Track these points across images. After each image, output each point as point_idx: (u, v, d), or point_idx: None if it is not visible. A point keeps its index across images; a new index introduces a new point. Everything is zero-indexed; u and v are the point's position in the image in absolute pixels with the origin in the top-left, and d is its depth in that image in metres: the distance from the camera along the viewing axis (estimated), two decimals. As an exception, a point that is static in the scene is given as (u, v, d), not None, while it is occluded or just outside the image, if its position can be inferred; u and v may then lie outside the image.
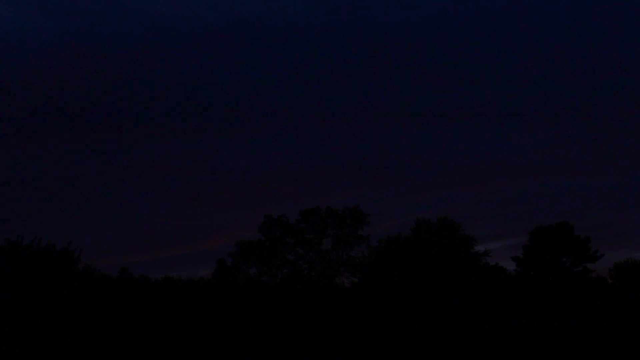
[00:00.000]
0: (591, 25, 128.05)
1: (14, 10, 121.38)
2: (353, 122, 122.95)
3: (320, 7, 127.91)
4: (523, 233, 57.14)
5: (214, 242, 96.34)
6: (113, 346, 33.11)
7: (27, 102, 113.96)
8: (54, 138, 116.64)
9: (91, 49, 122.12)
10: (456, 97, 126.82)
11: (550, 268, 50.84)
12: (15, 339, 31.59)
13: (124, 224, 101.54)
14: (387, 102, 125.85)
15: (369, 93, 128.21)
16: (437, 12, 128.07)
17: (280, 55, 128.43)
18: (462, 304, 41.15)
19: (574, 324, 39.41)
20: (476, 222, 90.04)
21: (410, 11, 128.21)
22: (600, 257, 51.70)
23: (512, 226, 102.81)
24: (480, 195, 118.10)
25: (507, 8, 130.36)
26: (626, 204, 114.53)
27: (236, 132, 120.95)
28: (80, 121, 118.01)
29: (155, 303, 37.21)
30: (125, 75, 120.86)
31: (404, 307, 40.80)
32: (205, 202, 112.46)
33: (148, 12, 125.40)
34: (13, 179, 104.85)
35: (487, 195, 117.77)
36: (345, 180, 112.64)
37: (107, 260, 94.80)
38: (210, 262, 62.53)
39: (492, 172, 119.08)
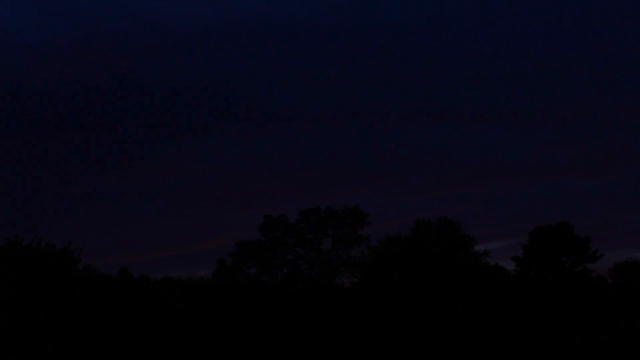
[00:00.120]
0: (591, 25, 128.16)
1: (14, 10, 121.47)
2: (353, 122, 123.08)
3: (320, 7, 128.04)
4: (523, 233, 57.06)
5: (214, 242, 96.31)
6: (113, 346, 33.11)
7: (27, 102, 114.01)
8: (54, 138, 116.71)
9: (91, 49, 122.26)
10: (456, 97, 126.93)
11: (550, 268, 50.80)
12: (15, 339, 31.59)
13: (124, 224, 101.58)
14: (387, 102, 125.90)
15: (369, 93, 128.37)
16: (436, 13, 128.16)
17: (280, 55, 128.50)
18: (462, 304, 41.15)
19: (574, 324, 39.43)
20: (476, 222, 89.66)
21: (409, 11, 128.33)
22: (600, 257, 51.66)
23: (512, 226, 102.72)
24: (480, 195, 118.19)
25: (507, 8, 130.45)
26: (626, 204, 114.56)
27: (236, 132, 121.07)
28: (80, 121, 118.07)
29: (155, 303, 37.19)
30: (125, 75, 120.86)
31: (404, 307, 40.79)
32: (205, 202, 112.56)
33: (148, 12, 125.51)
34: (13, 179, 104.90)
35: (487, 195, 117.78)
36: (345, 180, 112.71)
37: (107, 260, 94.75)
38: (210, 262, 62.50)
39: (492, 172, 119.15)
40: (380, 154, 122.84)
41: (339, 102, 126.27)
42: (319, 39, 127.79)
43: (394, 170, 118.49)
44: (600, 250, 51.93)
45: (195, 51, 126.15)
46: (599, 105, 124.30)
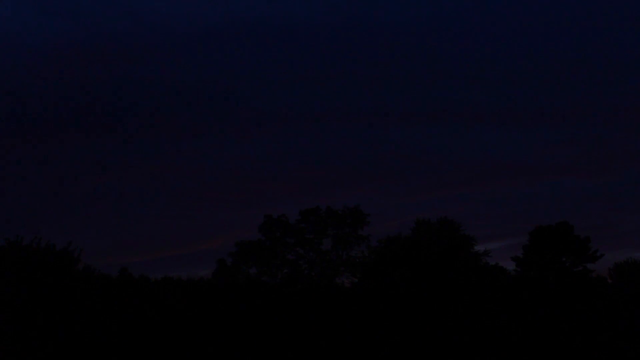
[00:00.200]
0: (591, 25, 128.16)
1: (14, 10, 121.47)
2: (353, 122, 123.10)
3: (320, 7, 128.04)
4: (523, 233, 57.06)
5: (214, 242, 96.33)
6: (113, 346, 33.11)
7: (26, 102, 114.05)
8: (54, 138, 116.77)
9: (91, 49, 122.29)
10: (456, 97, 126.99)
11: (550, 268, 50.79)
12: (15, 339, 31.59)
13: (124, 224, 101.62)
14: (387, 102, 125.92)
15: (369, 93, 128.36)
16: (436, 13, 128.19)
17: (280, 55, 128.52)
18: (462, 304, 41.15)
19: (574, 324, 39.42)
20: (476, 222, 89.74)
21: (409, 11, 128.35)
22: (600, 257, 51.64)
23: (512, 226, 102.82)
24: (480, 195, 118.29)
25: (507, 8, 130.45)
26: (626, 204, 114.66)
27: (236, 132, 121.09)
28: (80, 121, 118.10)
29: (155, 303, 37.19)
30: (125, 75, 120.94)
31: (404, 307, 40.79)
32: (205, 202, 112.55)
33: (148, 12, 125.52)
34: (13, 179, 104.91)
35: (487, 195, 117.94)
36: (345, 180, 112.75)
37: (107, 260, 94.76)
38: (210, 262, 62.51)
39: (492, 172, 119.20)
40: (380, 154, 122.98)
41: (339, 102, 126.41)
42: (319, 39, 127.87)
43: (394, 170, 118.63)
44: (600, 250, 51.95)
45: (195, 51, 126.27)
46: (599, 105, 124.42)
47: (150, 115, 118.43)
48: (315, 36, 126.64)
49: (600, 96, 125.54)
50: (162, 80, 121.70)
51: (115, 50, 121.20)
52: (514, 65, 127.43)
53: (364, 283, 51.29)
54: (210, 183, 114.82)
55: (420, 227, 54.36)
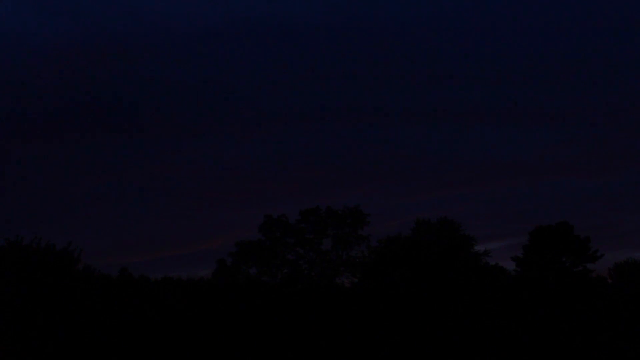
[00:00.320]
0: (591, 25, 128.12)
1: (14, 10, 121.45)
2: (353, 122, 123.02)
3: (320, 7, 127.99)
4: (523, 233, 57.06)
5: (214, 242, 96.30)
6: (113, 346, 33.10)
7: (26, 102, 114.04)
8: (54, 138, 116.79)
9: (91, 48, 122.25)
10: (456, 97, 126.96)
11: (550, 268, 50.80)
12: (15, 339, 31.59)
13: (124, 224, 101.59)
14: (387, 102, 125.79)
15: (370, 93, 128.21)
16: (436, 13, 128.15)
17: (280, 55, 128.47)
18: (462, 304, 41.15)
19: (574, 324, 39.41)
20: (476, 222, 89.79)
21: (409, 11, 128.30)
22: (600, 257, 51.65)
23: (512, 226, 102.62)
24: (480, 195, 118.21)
25: (507, 8, 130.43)
26: (626, 204, 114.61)
27: (236, 131, 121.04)
28: (80, 121, 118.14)
29: (155, 303, 37.19)
30: (124, 75, 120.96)
31: (404, 307, 40.79)
32: (205, 202, 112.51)
33: (148, 12, 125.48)
34: (13, 179, 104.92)
35: (487, 195, 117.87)
36: (345, 180, 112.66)
37: (107, 260, 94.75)
38: (210, 262, 62.48)
39: (492, 172, 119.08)
40: (380, 154, 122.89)
41: (339, 102, 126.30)
42: (319, 39, 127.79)
43: (394, 170, 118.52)
44: (600, 250, 51.96)
45: (195, 51, 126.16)
46: (599, 105, 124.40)
47: (150, 115, 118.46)
48: (315, 36, 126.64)
49: (600, 96, 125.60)
50: (162, 80, 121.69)
51: (115, 50, 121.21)
52: (514, 65, 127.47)
53: (364, 283, 51.30)
54: (210, 183, 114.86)
55: (420, 227, 54.40)
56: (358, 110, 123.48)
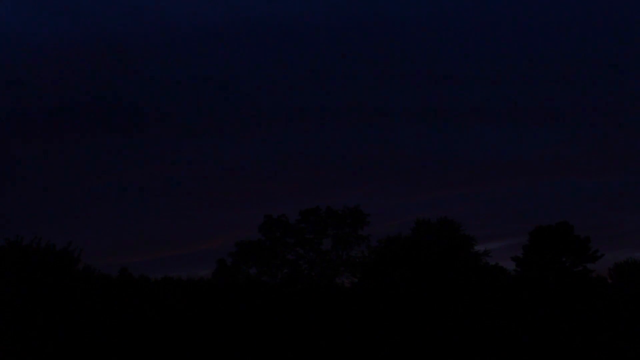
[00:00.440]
0: (591, 25, 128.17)
1: (14, 9, 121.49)
2: (353, 122, 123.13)
3: (321, 7, 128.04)
4: (523, 233, 57.07)
5: (214, 242, 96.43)
6: (113, 346, 33.10)
7: (27, 102, 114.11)
8: (54, 138, 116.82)
9: (91, 48, 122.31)
10: (456, 97, 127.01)
11: (550, 268, 50.77)
12: (15, 339, 31.59)
13: (124, 224, 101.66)
14: (388, 102, 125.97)
15: (370, 93, 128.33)
16: (436, 12, 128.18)
17: (281, 55, 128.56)
18: (462, 304, 41.15)
19: (574, 324, 39.41)
20: (476, 222, 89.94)
21: (409, 11, 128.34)
22: (600, 257, 51.62)
23: (512, 226, 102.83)
24: (480, 195, 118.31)
25: (507, 8, 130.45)
26: (626, 204, 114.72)
27: (236, 131, 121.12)
28: (79, 121, 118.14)
29: (155, 303, 37.19)
30: (125, 75, 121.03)
31: (404, 307, 40.79)
32: (205, 202, 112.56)
33: (148, 12, 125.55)
34: (13, 179, 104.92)
35: (487, 195, 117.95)
36: (345, 180, 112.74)
37: (107, 260, 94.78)
38: (210, 262, 62.51)
39: (492, 172, 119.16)
40: (380, 154, 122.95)
41: (339, 102, 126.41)
42: (319, 39, 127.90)
43: (394, 170, 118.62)
44: (600, 250, 51.93)
45: (195, 51, 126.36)
46: (599, 105, 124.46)
47: (150, 115, 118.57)
48: (315, 36, 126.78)
49: (600, 96, 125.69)
50: (162, 80, 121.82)
51: (115, 50, 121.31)
52: (514, 65, 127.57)
53: (364, 283, 51.29)
54: (210, 183, 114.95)
55: (420, 227, 54.39)
56: (358, 110, 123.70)
